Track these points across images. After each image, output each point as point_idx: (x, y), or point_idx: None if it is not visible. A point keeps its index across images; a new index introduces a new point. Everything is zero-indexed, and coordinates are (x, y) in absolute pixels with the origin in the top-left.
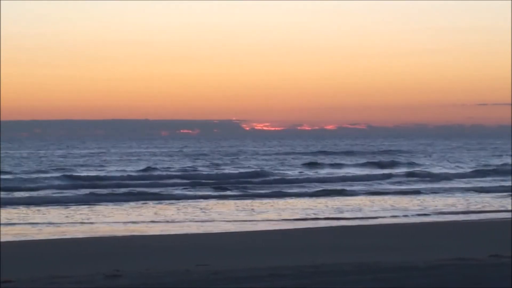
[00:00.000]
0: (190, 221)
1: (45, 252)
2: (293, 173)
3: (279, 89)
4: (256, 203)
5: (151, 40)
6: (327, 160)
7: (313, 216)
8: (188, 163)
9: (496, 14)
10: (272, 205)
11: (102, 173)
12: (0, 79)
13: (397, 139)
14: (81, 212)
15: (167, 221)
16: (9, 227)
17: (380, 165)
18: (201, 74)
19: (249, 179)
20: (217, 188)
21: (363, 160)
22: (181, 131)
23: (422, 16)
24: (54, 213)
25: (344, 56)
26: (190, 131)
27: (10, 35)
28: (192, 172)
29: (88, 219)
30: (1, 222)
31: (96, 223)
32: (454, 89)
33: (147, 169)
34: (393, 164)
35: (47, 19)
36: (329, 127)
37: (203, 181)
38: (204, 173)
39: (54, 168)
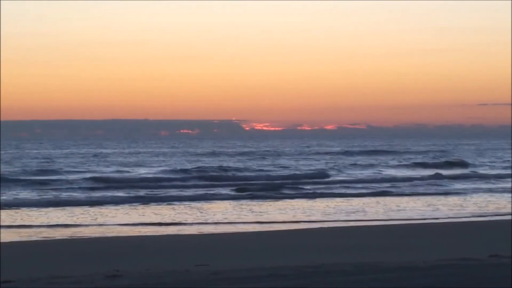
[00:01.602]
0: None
1: (45, 252)
2: (352, 172)
3: (279, 89)
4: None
5: (151, 40)
6: (373, 160)
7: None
8: (234, 163)
9: (496, 14)
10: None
11: (154, 174)
12: (0, 79)
13: (410, 139)
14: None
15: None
16: (33, 229)
17: (433, 165)
18: (201, 74)
19: (315, 180)
20: (293, 188)
21: (409, 161)
22: (181, 131)
23: (422, 16)
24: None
25: (344, 56)
26: (190, 131)
27: (10, 35)
28: (264, 173)
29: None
30: (22, 224)
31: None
32: (454, 89)
33: (200, 168)
34: (445, 165)
35: (47, 19)
36: (329, 127)
37: (279, 182)
38: (275, 174)
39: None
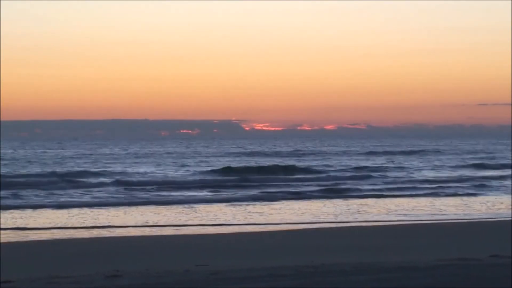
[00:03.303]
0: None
1: (45, 252)
2: (400, 173)
3: (279, 89)
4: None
5: (151, 40)
6: (426, 161)
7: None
8: (291, 162)
9: (496, 14)
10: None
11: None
12: (0, 79)
13: (413, 139)
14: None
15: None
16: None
17: (485, 166)
18: (201, 74)
19: (360, 181)
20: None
21: (453, 162)
22: (181, 131)
23: (422, 16)
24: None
25: (344, 56)
26: (190, 131)
27: (10, 35)
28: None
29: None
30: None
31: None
32: (454, 89)
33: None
34: (501, 167)
35: (47, 19)
36: (329, 127)
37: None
38: (323, 175)
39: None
